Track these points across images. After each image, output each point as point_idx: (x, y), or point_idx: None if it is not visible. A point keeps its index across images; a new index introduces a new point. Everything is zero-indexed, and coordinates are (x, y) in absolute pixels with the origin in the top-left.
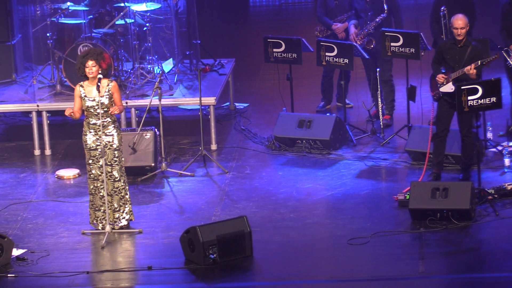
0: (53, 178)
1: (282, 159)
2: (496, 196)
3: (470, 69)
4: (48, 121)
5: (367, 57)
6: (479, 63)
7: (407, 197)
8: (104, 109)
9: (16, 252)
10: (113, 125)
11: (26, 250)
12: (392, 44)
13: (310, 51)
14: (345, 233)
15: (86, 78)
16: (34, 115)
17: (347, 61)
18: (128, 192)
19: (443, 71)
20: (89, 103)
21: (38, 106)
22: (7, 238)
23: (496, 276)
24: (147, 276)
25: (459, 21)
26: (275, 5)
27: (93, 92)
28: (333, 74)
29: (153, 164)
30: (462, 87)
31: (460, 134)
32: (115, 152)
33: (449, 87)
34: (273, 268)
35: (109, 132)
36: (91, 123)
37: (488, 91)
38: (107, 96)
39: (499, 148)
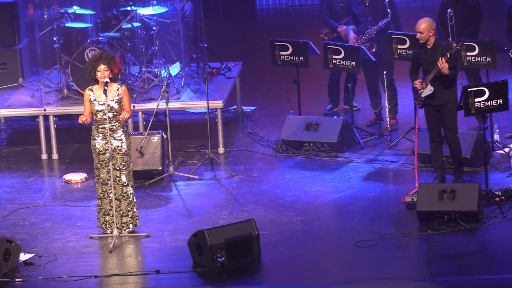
0: (61, 182)
1: (290, 162)
2: (503, 197)
3: (442, 63)
4: (55, 125)
5: (374, 59)
6: (448, 55)
7: (415, 199)
8: (114, 114)
9: (23, 256)
10: (122, 130)
11: (33, 254)
12: (399, 46)
13: (317, 54)
14: (352, 236)
15: (95, 81)
16: (41, 119)
17: (354, 64)
18: (134, 197)
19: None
20: (98, 107)
21: (45, 110)
22: (14, 243)
23: (504, 277)
24: (155, 280)
25: (418, 25)
26: (282, 8)
27: (103, 96)
28: (340, 77)
29: (160, 168)
30: (469, 89)
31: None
32: (124, 157)
33: (428, 90)
34: (281, 271)
35: (118, 137)
36: (100, 127)
37: (495, 93)
38: (117, 100)
39: (506, 150)
